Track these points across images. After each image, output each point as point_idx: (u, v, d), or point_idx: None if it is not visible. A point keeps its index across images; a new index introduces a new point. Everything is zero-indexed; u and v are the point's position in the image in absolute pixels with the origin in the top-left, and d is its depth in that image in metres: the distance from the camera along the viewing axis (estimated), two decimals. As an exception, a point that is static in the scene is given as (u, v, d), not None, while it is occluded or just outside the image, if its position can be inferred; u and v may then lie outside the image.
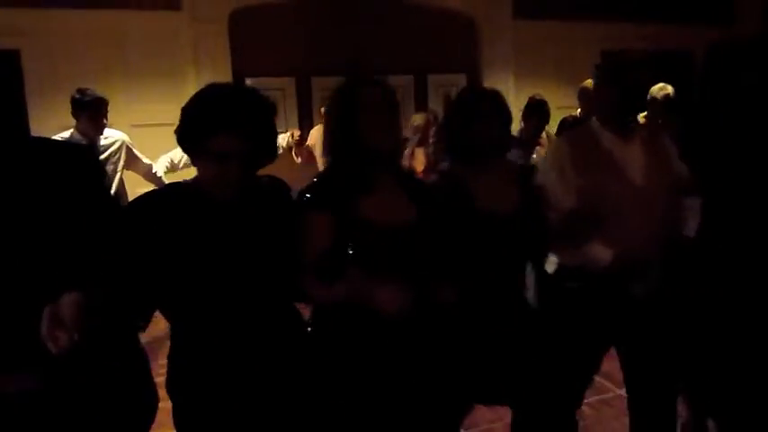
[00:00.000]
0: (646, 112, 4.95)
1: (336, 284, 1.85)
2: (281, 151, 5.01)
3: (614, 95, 2.32)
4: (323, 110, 2.95)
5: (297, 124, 6.23)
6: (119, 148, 4.41)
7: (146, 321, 1.81)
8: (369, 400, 1.91)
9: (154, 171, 4.60)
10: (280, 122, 6.69)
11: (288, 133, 5.02)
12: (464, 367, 2.13)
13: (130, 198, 2.98)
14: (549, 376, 2.28)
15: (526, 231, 2.26)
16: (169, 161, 4.59)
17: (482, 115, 2.22)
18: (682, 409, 2.63)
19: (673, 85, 4.72)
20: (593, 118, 2.43)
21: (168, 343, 1.86)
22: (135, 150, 4.52)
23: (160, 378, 1.81)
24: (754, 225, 2.27)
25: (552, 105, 4.79)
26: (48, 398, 1.60)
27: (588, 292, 2.33)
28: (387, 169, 1.97)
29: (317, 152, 4.98)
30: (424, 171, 4.77)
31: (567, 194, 2.30)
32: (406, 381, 1.93)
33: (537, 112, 4.60)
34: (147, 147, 4.62)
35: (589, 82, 4.30)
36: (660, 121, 4.64)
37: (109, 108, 4.33)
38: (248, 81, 6.16)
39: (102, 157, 4.28)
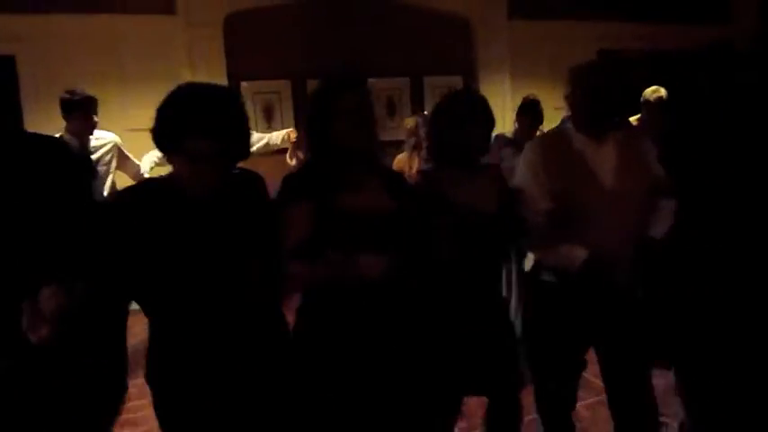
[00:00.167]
0: (639, 115, 4.98)
1: (318, 263, 1.90)
2: (276, 148, 5.04)
3: (579, 97, 2.36)
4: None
5: (292, 127, 6.20)
6: (110, 150, 4.40)
7: (123, 314, 1.87)
8: (350, 391, 1.97)
9: (142, 172, 4.60)
10: (275, 125, 6.70)
11: (285, 131, 4.99)
12: (443, 357, 2.21)
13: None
14: (517, 368, 2.38)
15: (505, 230, 2.33)
16: (156, 157, 4.54)
17: (461, 119, 2.27)
18: (679, 410, 2.64)
19: (670, 85, 4.73)
20: (569, 120, 2.46)
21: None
22: (126, 152, 4.54)
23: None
24: (730, 227, 2.31)
25: (548, 106, 4.79)
26: (16, 381, 1.66)
27: (564, 289, 2.38)
28: (365, 168, 2.03)
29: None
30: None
31: (541, 195, 2.34)
32: (388, 367, 2.00)
33: (530, 111, 4.61)
34: (142, 151, 4.59)
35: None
36: (652, 123, 4.65)
37: (104, 112, 4.33)
38: (244, 84, 6.18)
39: (94, 157, 4.28)
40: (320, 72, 6.00)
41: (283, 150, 5.03)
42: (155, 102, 1.78)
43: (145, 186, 1.92)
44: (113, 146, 4.43)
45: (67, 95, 4.16)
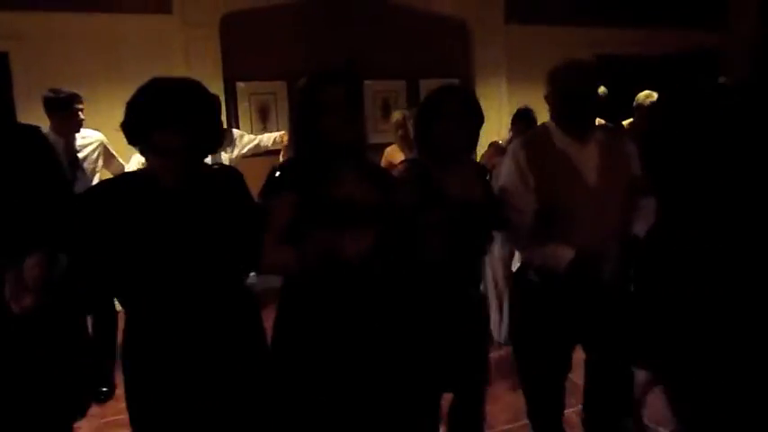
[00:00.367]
0: (632, 119, 4.98)
1: (302, 245, 1.91)
2: (265, 150, 5.03)
3: (556, 97, 2.42)
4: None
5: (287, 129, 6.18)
6: (96, 148, 4.37)
7: (97, 305, 1.90)
8: (331, 385, 1.99)
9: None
10: (271, 126, 6.69)
11: (276, 134, 4.99)
12: (422, 352, 2.23)
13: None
14: (486, 365, 2.44)
15: (492, 219, 2.38)
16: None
17: (447, 115, 2.27)
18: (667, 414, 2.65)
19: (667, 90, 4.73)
20: (550, 121, 2.51)
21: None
22: (112, 151, 4.52)
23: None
24: (711, 228, 2.30)
25: (545, 110, 4.77)
26: None
27: (551, 288, 2.41)
28: (350, 163, 2.04)
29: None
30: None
31: (527, 194, 2.37)
32: (368, 361, 2.02)
33: (524, 119, 4.72)
34: (134, 151, 4.53)
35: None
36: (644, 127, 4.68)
37: (98, 111, 4.29)
38: (239, 84, 6.16)
39: (81, 156, 4.25)
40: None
41: (277, 151, 5.02)
42: (148, 101, 1.78)
43: (123, 178, 1.98)
44: (99, 144, 4.40)
45: (52, 94, 4.12)
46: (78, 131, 4.26)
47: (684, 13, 7.58)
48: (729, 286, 2.32)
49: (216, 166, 2.05)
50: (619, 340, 2.45)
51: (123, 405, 1.96)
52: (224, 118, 5.80)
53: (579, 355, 2.58)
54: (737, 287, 2.33)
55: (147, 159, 1.85)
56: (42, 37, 5.30)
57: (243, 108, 6.21)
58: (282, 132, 4.97)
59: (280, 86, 6.27)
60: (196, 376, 1.85)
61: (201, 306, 1.85)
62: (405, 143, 4.88)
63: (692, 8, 7.64)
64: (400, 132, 5.01)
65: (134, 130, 1.78)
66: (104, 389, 3.75)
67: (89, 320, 3.46)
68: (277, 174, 1.99)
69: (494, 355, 4.34)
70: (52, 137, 4.10)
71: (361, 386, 2.01)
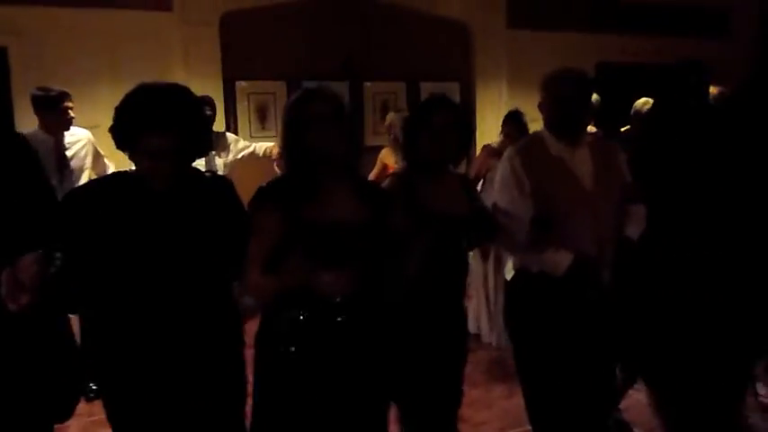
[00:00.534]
0: (629, 126, 4.98)
1: (281, 274, 1.94)
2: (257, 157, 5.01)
3: (549, 104, 2.44)
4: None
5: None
6: (84, 146, 4.36)
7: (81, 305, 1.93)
8: (312, 399, 2.00)
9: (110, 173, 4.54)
10: (269, 126, 6.67)
11: (269, 145, 4.98)
12: (407, 367, 2.25)
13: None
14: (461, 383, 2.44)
15: (476, 232, 2.41)
16: None
17: (435, 126, 2.29)
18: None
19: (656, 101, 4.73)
20: (543, 128, 2.52)
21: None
22: (99, 150, 4.51)
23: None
24: (698, 233, 2.39)
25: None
26: None
27: (550, 293, 2.40)
28: (340, 176, 2.06)
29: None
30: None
31: (524, 201, 2.39)
32: (350, 376, 2.02)
33: (515, 120, 4.72)
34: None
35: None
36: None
37: (96, 108, 4.29)
38: (239, 84, 6.14)
39: (69, 153, 4.24)
40: (316, 74, 6.01)
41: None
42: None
43: (111, 178, 2.03)
44: (87, 142, 4.39)
45: (41, 92, 4.11)
46: (68, 129, 4.25)
47: (685, 23, 7.59)
48: (717, 296, 2.34)
49: (208, 174, 2.10)
50: (610, 343, 2.48)
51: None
52: (222, 117, 5.79)
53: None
54: (725, 297, 2.35)
55: (135, 164, 1.88)
56: (41, 32, 5.28)
57: (242, 107, 6.19)
58: (273, 144, 4.95)
59: (279, 86, 6.25)
60: (170, 378, 1.89)
61: (180, 309, 1.89)
62: (397, 146, 4.88)
63: (693, 17, 7.65)
64: (392, 135, 5.02)
65: (122, 134, 1.83)
66: (93, 386, 3.71)
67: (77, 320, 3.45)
68: (262, 192, 2.02)
69: (486, 358, 4.34)
70: (41, 135, 4.09)
71: (338, 405, 2.03)
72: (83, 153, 4.35)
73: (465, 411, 2.64)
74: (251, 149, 5.09)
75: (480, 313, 4.82)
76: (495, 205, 2.49)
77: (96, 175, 4.51)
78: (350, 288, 1.91)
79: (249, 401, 2.09)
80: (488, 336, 4.76)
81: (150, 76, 5.85)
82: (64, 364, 2.01)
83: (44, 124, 4.13)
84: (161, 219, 1.86)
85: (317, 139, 1.97)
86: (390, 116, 5.26)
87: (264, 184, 2.06)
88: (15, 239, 1.74)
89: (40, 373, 1.92)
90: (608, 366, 2.53)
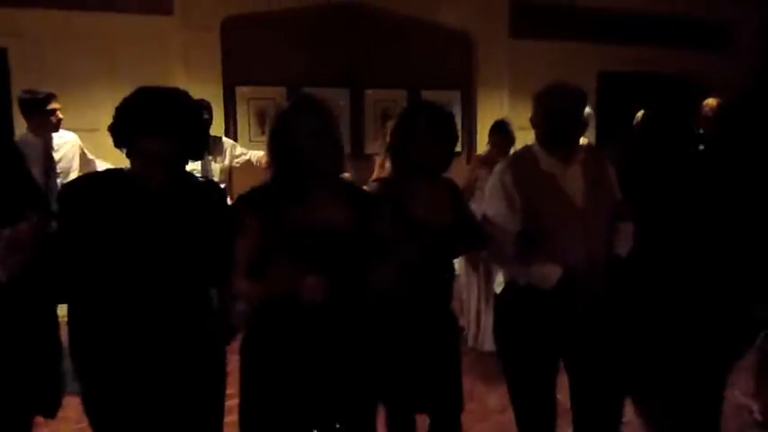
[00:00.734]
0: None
1: (264, 279, 2.00)
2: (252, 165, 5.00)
3: (541, 119, 2.43)
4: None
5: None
6: (72, 148, 4.38)
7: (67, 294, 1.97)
8: (296, 405, 2.04)
9: None
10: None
11: (262, 154, 4.98)
12: (391, 373, 2.28)
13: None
14: (460, 387, 2.45)
15: (461, 241, 2.42)
16: None
17: (422, 133, 2.30)
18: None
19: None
20: (535, 143, 2.51)
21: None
22: (87, 153, 4.54)
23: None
24: (686, 248, 2.41)
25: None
26: None
27: (538, 307, 2.40)
28: (325, 183, 2.09)
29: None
30: None
31: (513, 216, 2.38)
32: (335, 380, 2.07)
33: (501, 130, 4.74)
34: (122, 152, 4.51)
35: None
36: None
37: (95, 111, 4.30)
38: (239, 89, 6.12)
39: (57, 155, 4.25)
40: (317, 80, 6.00)
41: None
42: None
43: (105, 174, 2.06)
44: (75, 144, 4.42)
45: (27, 95, 4.12)
46: (57, 131, 4.25)
47: (687, 34, 7.59)
48: (703, 313, 2.36)
49: (202, 179, 2.17)
50: (604, 361, 2.46)
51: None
52: (222, 122, 5.77)
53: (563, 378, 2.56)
54: (711, 314, 2.36)
55: (131, 162, 1.92)
56: (42, 34, 5.28)
57: (242, 112, 6.17)
58: (263, 154, 4.96)
59: (280, 92, 6.23)
60: (149, 372, 1.94)
61: (161, 308, 1.93)
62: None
63: (695, 29, 7.65)
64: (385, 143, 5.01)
65: (120, 135, 1.87)
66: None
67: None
68: (245, 196, 2.06)
69: (482, 370, 4.30)
70: (31, 139, 4.08)
71: (324, 411, 2.09)
72: (70, 155, 4.37)
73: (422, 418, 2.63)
74: (247, 157, 5.11)
75: (471, 324, 4.80)
76: (484, 216, 2.48)
77: None
78: (327, 294, 1.92)
79: (230, 402, 2.13)
80: (472, 340, 4.76)
81: (150, 80, 5.88)
82: (47, 353, 2.08)
83: (33, 127, 4.13)
84: (154, 217, 1.90)
85: (302, 151, 2.01)
86: (390, 124, 5.24)
87: (249, 189, 2.10)
88: (9, 205, 1.83)
89: (22, 360, 1.99)
90: (599, 381, 2.49)
